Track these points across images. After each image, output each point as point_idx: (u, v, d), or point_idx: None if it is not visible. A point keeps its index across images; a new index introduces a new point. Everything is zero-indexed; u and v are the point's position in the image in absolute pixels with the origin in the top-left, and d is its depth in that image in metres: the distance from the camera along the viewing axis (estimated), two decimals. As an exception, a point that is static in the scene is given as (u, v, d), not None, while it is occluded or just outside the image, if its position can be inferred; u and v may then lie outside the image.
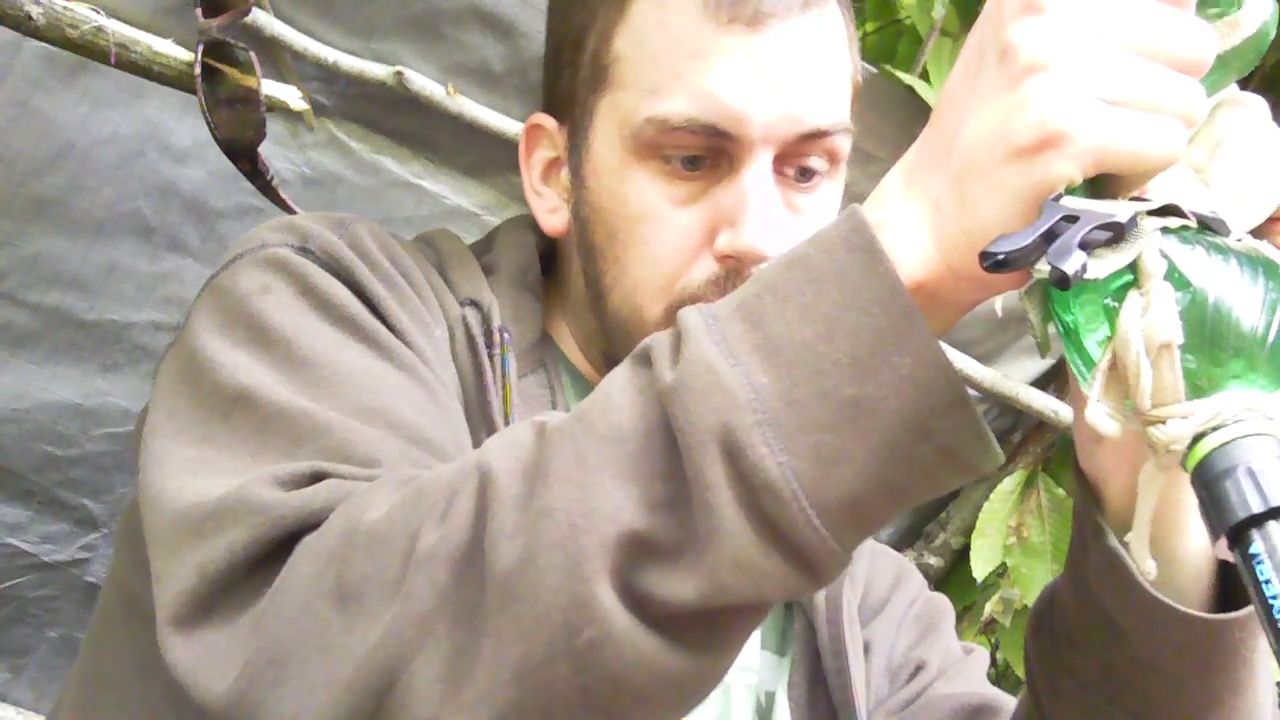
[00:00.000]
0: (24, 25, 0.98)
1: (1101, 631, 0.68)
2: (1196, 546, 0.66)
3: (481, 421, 0.76)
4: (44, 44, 1.01)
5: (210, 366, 0.70)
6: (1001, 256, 0.48)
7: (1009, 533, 1.80)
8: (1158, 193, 0.52)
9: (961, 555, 1.86)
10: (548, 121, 0.88)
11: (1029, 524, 1.80)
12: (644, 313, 0.81)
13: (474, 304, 0.81)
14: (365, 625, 0.54)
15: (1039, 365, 1.95)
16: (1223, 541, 0.46)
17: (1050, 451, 1.88)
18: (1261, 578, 0.44)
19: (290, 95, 1.15)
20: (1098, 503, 0.66)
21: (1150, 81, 0.49)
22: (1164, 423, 0.48)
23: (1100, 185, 0.50)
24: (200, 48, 1.03)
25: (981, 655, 0.98)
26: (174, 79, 1.06)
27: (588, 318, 0.87)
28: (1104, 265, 0.48)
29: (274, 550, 0.59)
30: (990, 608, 1.89)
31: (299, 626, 0.56)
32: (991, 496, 1.81)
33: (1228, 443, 0.47)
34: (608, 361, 0.85)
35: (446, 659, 0.53)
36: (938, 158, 0.53)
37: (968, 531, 1.81)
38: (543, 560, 0.51)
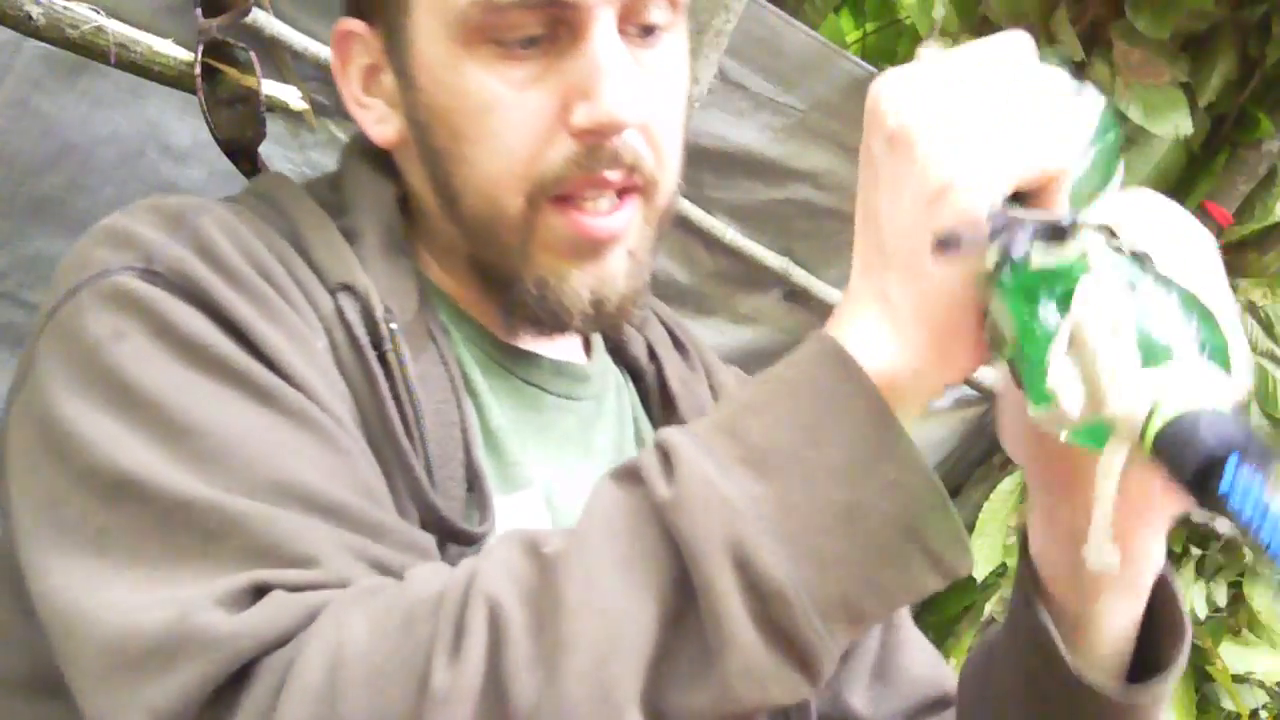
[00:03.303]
0: (24, 25, 0.98)
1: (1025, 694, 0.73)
2: (1118, 620, 0.70)
3: (382, 434, 0.69)
4: (44, 44, 1.01)
5: (78, 443, 0.62)
6: (955, 235, 0.54)
7: (1009, 533, 1.80)
8: None
9: (961, 555, 1.86)
10: (356, 25, 0.80)
11: (1029, 524, 1.80)
12: (504, 207, 0.75)
13: (348, 288, 0.72)
14: None
15: (1039, 365, 1.95)
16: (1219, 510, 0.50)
17: (1050, 451, 1.87)
18: (1237, 509, 0.48)
19: (290, 95, 1.15)
20: (1037, 586, 0.71)
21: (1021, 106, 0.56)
22: (1121, 396, 0.51)
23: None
24: (200, 48, 1.03)
25: None
26: (174, 79, 1.06)
27: (443, 227, 0.80)
28: (1051, 256, 0.54)
29: (230, 682, 0.55)
30: (990, 608, 1.89)
31: None
32: (991, 496, 1.81)
33: (1181, 414, 0.50)
34: (474, 268, 0.81)
35: None
36: (871, 257, 0.58)
37: (968, 531, 1.81)
38: (574, 691, 0.51)
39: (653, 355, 0.94)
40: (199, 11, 1.05)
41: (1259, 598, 2.04)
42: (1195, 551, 2.05)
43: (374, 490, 0.65)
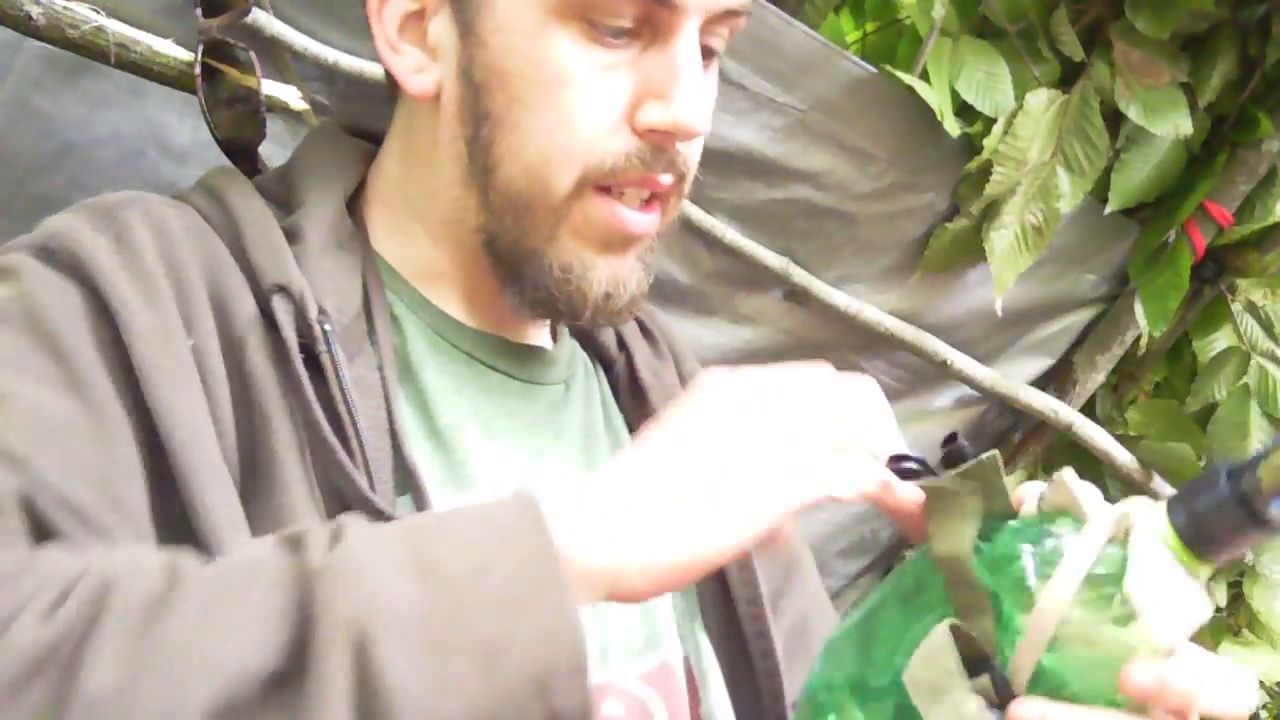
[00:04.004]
0: (24, 25, 0.98)
1: None
2: None
3: (309, 436, 0.68)
4: (44, 44, 1.01)
5: None
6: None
7: (1009, 533, 1.80)
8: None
9: (961, 555, 1.86)
10: None
11: (1029, 524, 1.80)
12: (549, 183, 0.75)
13: (282, 289, 0.71)
14: None
15: (1039, 365, 1.95)
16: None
17: (1050, 452, 1.88)
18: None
19: (290, 95, 1.15)
20: None
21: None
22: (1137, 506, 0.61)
23: None
24: (200, 48, 1.03)
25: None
26: (174, 79, 1.06)
27: (454, 194, 0.80)
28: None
29: None
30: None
31: None
32: (991, 496, 1.81)
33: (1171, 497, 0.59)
34: (482, 242, 0.80)
35: None
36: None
37: (968, 531, 1.81)
38: (146, 691, 0.48)
39: (622, 344, 0.94)
40: (199, 11, 1.05)
41: (1259, 598, 2.04)
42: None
43: (123, 501, 0.61)
